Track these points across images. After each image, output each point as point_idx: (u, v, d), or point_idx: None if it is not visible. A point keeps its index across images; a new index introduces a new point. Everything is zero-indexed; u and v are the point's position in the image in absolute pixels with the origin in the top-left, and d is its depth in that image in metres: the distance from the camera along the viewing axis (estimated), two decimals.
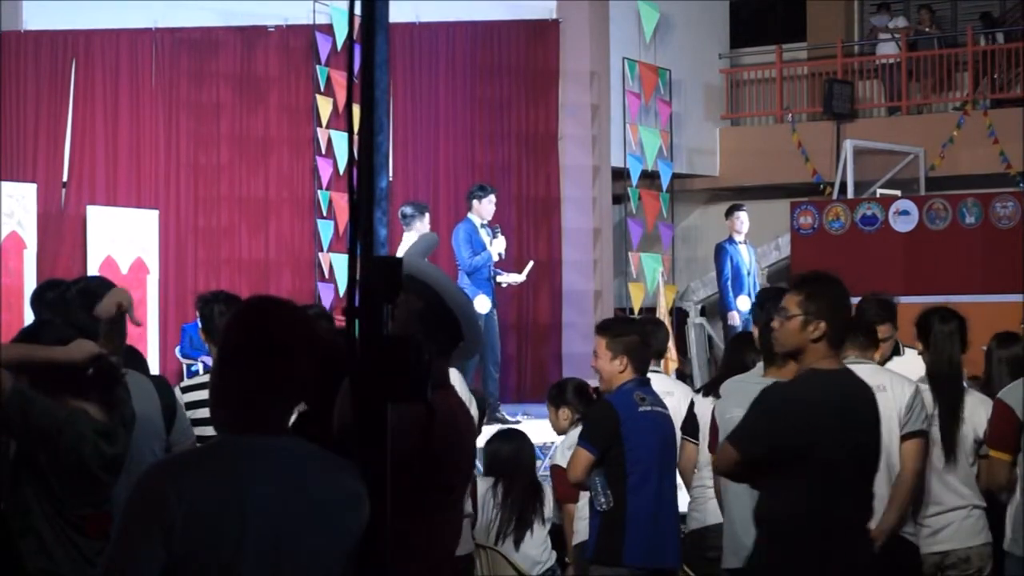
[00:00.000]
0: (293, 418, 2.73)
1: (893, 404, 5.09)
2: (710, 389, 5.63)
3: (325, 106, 12.96)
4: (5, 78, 12.19)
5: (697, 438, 5.63)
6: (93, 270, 11.39)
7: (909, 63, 16.89)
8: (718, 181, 16.94)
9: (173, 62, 12.99)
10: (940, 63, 16.75)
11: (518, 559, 5.75)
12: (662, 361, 7.50)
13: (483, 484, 5.83)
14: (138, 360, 4.67)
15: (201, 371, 10.88)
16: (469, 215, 10.52)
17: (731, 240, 12.49)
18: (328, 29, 13.00)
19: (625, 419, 5.14)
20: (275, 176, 13.24)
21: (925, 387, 5.28)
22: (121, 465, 3.83)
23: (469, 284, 10.18)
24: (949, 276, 12.00)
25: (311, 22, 13.00)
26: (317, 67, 12.99)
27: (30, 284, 10.70)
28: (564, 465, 5.70)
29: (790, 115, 16.75)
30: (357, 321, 2.27)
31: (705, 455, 5.44)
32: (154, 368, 10.95)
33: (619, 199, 14.78)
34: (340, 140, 12.91)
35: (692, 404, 5.75)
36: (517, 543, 5.81)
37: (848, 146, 15.22)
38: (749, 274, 12.36)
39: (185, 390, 5.19)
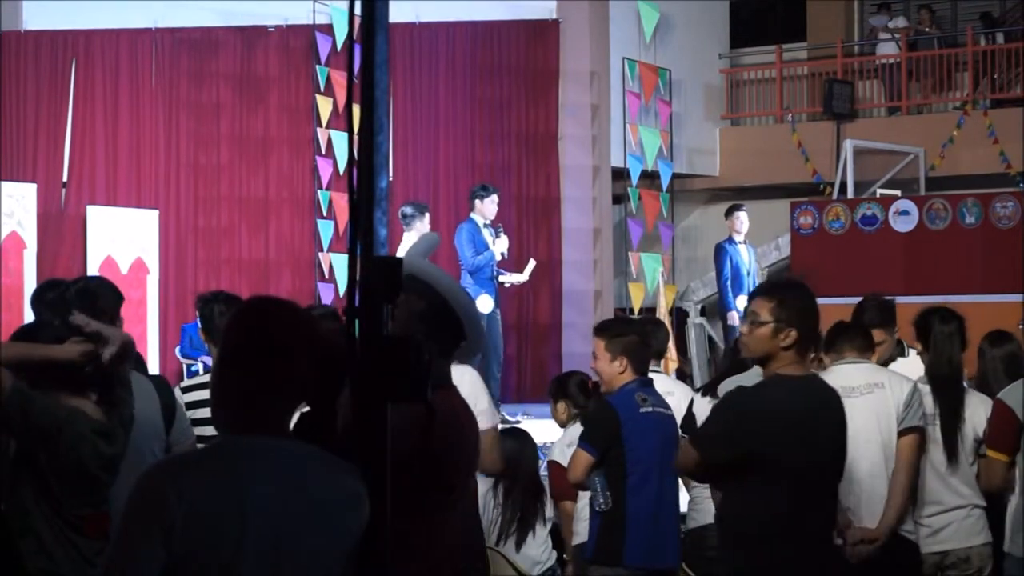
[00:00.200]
0: (295, 418, 2.73)
1: (892, 401, 5.11)
2: (710, 389, 5.63)
3: (325, 106, 12.96)
4: (5, 78, 12.19)
5: None
6: (93, 270, 11.39)
7: (909, 63, 16.89)
8: (718, 181, 16.94)
9: (173, 62, 12.99)
10: (940, 63, 16.75)
11: (519, 560, 5.75)
12: (662, 361, 7.50)
13: (484, 484, 5.82)
14: (138, 360, 4.67)
15: (201, 371, 10.88)
16: (472, 215, 10.53)
17: (731, 240, 12.49)
18: (328, 29, 13.00)
19: (626, 420, 5.14)
20: (275, 176, 13.24)
21: (925, 387, 5.29)
22: (119, 465, 3.83)
23: (472, 284, 10.19)
24: (949, 276, 11.99)
25: (311, 22, 13.00)
26: (317, 67, 12.99)
27: (30, 284, 10.70)
28: (561, 461, 5.70)
29: (790, 115, 16.75)
30: (357, 321, 2.27)
31: None
32: (154, 368, 10.97)
33: (619, 199, 14.78)
34: (340, 140, 12.91)
35: (691, 404, 5.75)
36: (519, 544, 5.80)
37: (848, 146, 15.22)
38: (749, 274, 12.36)
39: (185, 390, 5.19)
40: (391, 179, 12.71)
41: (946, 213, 12.58)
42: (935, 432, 5.26)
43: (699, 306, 15.27)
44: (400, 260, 2.31)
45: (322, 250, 12.99)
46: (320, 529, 2.52)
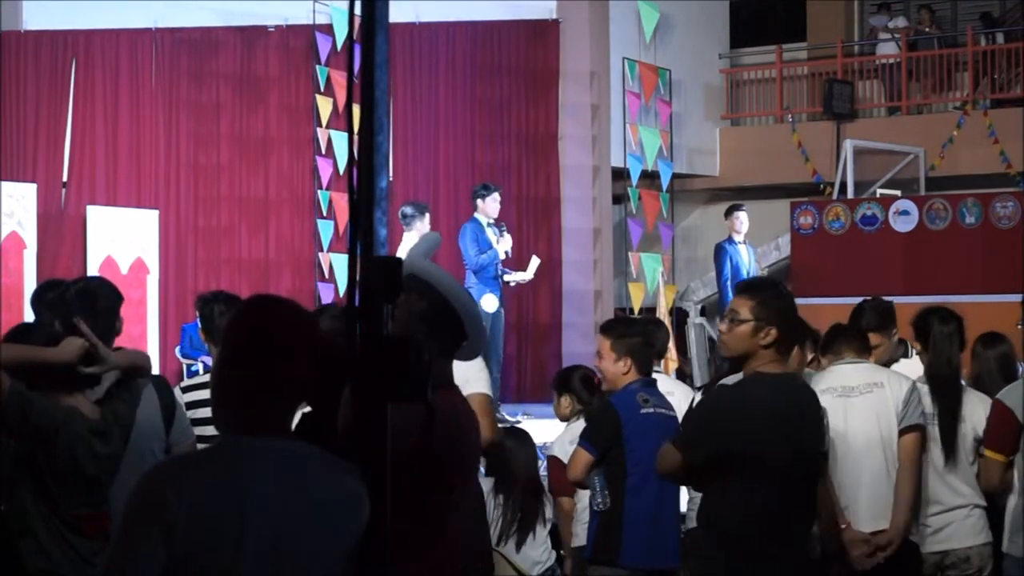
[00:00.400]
0: (297, 419, 2.73)
1: (891, 400, 5.12)
2: (710, 389, 5.63)
3: (325, 106, 12.96)
4: (5, 78, 12.19)
5: None
6: (93, 270, 11.39)
7: (909, 63, 16.89)
8: (718, 181, 16.95)
9: (173, 62, 13.00)
10: (940, 63, 16.76)
11: (519, 560, 5.74)
12: (662, 361, 7.49)
13: (485, 485, 5.81)
14: None
15: (201, 371, 10.88)
16: (475, 214, 10.55)
17: (731, 240, 12.50)
18: (328, 29, 13.00)
19: (627, 421, 5.13)
20: (275, 176, 13.24)
21: (924, 387, 5.29)
22: (116, 464, 3.84)
23: (476, 283, 10.21)
24: (949, 276, 11.99)
25: (311, 22, 13.00)
26: (317, 67, 13.00)
27: (30, 284, 10.70)
28: (562, 457, 5.70)
29: (790, 115, 16.75)
30: (357, 321, 2.27)
31: None
32: (154, 368, 10.94)
33: (619, 199, 14.78)
34: (340, 140, 12.91)
35: (692, 404, 5.75)
36: (519, 545, 5.80)
37: (848, 146, 15.22)
38: (749, 274, 12.33)
39: (185, 390, 5.19)
40: (391, 179, 12.71)
41: (946, 213, 12.59)
42: (934, 432, 5.26)
43: (699, 306, 15.27)
44: (400, 260, 2.31)
45: (322, 250, 12.99)
46: (320, 529, 2.52)
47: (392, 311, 2.33)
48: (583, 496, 5.44)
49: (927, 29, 17.32)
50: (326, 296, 12.82)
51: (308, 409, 2.80)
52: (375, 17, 2.26)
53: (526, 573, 5.70)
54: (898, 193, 14.40)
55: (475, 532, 4.11)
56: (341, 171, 12.95)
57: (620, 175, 14.41)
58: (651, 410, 5.18)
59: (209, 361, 8.56)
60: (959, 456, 5.26)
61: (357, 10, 2.28)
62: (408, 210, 10.27)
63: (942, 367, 5.31)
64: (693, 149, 16.43)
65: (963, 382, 5.52)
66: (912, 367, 5.59)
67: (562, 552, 6.00)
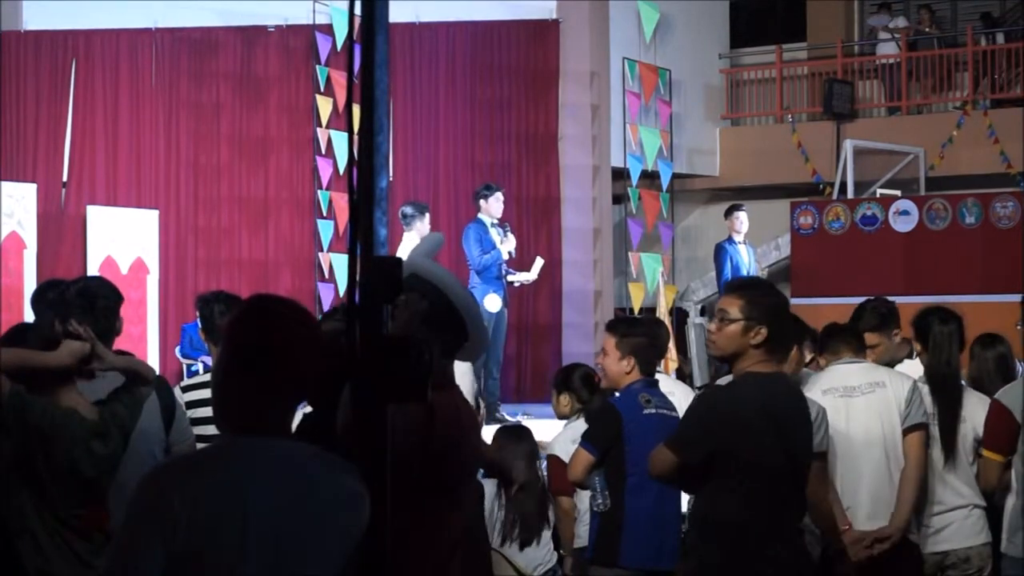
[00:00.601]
0: (297, 419, 2.73)
1: (893, 399, 5.12)
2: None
3: (325, 106, 12.96)
4: (5, 78, 12.19)
5: None
6: (93, 270, 11.39)
7: (909, 63, 16.89)
8: (718, 181, 16.95)
9: (173, 62, 13.00)
10: (940, 63, 16.76)
11: (520, 560, 5.74)
12: (662, 361, 7.49)
13: (489, 486, 5.80)
14: None
15: (201, 371, 10.88)
16: (479, 215, 10.56)
17: (731, 240, 12.50)
18: (328, 29, 13.00)
19: (628, 421, 5.13)
20: (275, 176, 13.24)
21: (924, 387, 5.29)
22: (114, 465, 3.84)
23: (480, 283, 10.22)
24: (949, 276, 11.99)
25: (311, 22, 13.00)
26: (317, 67, 13.00)
27: (30, 284, 10.70)
28: (561, 455, 5.69)
29: (790, 115, 16.75)
30: (357, 321, 2.27)
31: None
32: (154, 368, 10.96)
33: (619, 199, 14.78)
34: (340, 140, 12.91)
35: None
36: (523, 546, 5.79)
37: (848, 146, 15.22)
38: (749, 274, 12.35)
39: (185, 389, 5.20)
40: (391, 179, 12.72)
41: (946, 213, 12.59)
42: (934, 432, 5.26)
43: (699, 306, 15.27)
44: (400, 260, 2.30)
45: (322, 250, 12.99)
46: (321, 529, 2.52)
47: (392, 311, 2.33)
48: (584, 496, 5.43)
49: (927, 29, 17.32)
50: (326, 296, 12.83)
51: (308, 409, 2.81)
52: (375, 17, 2.26)
53: (527, 574, 5.70)
54: (898, 193, 14.40)
55: (475, 532, 4.11)
56: (341, 171, 12.95)
57: (620, 175, 14.41)
58: (653, 410, 5.18)
59: (209, 361, 8.56)
60: (959, 456, 5.26)
61: (357, 10, 2.28)
62: (408, 210, 10.27)
63: (942, 367, 5.31)
64: (693, 149, 16.43)
65: (963, 382, 5.53)
66: (916, 367, 5.59)
67: (562, 552, 6.00)
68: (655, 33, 15.22)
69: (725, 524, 4.01)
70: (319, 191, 13.01)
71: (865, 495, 5.10)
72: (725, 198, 15.79)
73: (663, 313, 13.09)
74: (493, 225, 10.50)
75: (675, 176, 15.38)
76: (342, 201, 12.74)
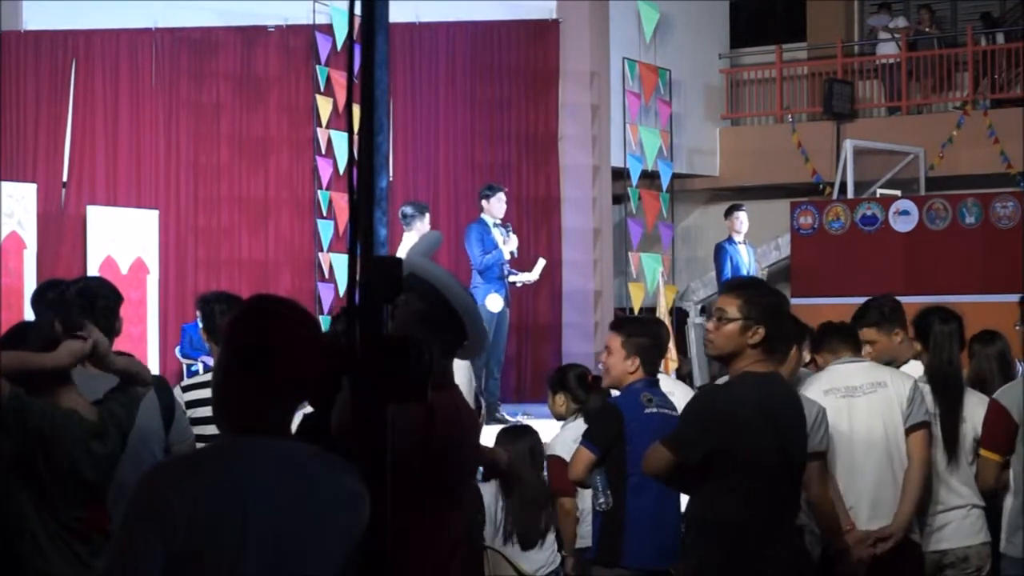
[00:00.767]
0: (298, 419, 2.73)
1: (895, 398, 5.10)
2: None
3: (325, 106, 12.96)
4: (5, 78, 12.19)
5: None
6: (93, 270, 11.39)
7: (909, 63, 16.89)
8: (718, 181, 16.95)
9: (173, 62, 13.00)
10: (940, 63, 16.76)
11: (524, 562, 5.73)
12: (662, 361, 7.49)
13: (490, 487, 5.79)
14: None
15: (201, 371, 10.89)
16: (482, 215, 10.57)
17: (731, 240, 12.50)
18: (328, 29, 13.00)
19: (629, 420, 5.12)
20: (275, 176, 13.24)
21: (925, 387, 5.28)
22: (113, 465, 3.84)
23: (482, 283, 10.22)
24: (949, 276, 11.99)
25: (311, 22, 13.00)
26: (317, 67, 13.00)
27: (30, 284, 10.71)
28: (562, 455, 5.69)
29: (790, 115, 16.75)
30: (357, 321, 2.27)
31: None
32: (154, 368, 10.97)
33: (619, 199, 14.78)
34: (340, 140, 12.91)
35: None
36: (526, 548, 5.78)
37: (848, 146, 15.22)
38: (749, 274, 12.35)
39: (185, 389, 5.20)
40: (391, 179, 12.72)
41: (946, 213, 12.59)
42: (936, 432, 5.25)
43: (699, 306, 15.27)
44: (400, 260, 2.31)
45: (322, 250, 13.00)
46: (320, 529, 2.52)
47: (392, 311, 2.33)
48: (586, 496, 5.43)
49: (927, 29, 17.32)
50: (326, 296, 12.83)
51: (308, 409, 2.81)
52: (375, 17, 2.26)
53: (527, 574, 5.70)
54: (898, 193, 14.40)
55: (473, 531, 4.12)
56: (341, 171, 12.95)
57: (620, 175, 14.41)
58: (655, 410, 5.17)
59: (209, 361, 8.56)
60: (959, 456, 5.26)
61: (357, 10, 2.28)
62: (408, 210, 10.27)
63: (943, 366, 5.30)
64: (693, 149, 16.43)
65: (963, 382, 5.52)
66: (918, 369, 5.57)
67: (562, 552, 6.00)
68: (655, 33, 15.22)
69: (725, 524, 4.00)
70: (319, 191, 13.01)
71: (867, 495, 5.09)
72: (725, 198, 15.79)
73: (663, 313, 13.09)
74: (496, 225, 10.50)
75: (675, 176, 15.38)
76: (342, 201, 12.75)
